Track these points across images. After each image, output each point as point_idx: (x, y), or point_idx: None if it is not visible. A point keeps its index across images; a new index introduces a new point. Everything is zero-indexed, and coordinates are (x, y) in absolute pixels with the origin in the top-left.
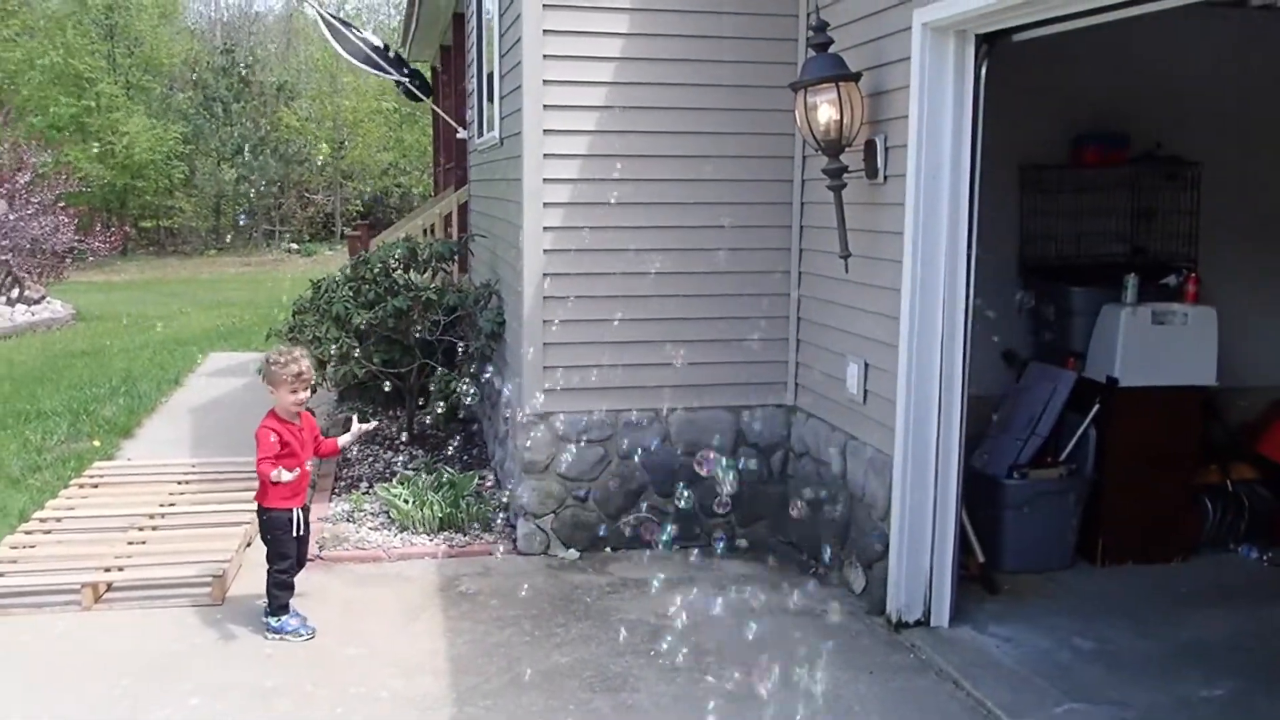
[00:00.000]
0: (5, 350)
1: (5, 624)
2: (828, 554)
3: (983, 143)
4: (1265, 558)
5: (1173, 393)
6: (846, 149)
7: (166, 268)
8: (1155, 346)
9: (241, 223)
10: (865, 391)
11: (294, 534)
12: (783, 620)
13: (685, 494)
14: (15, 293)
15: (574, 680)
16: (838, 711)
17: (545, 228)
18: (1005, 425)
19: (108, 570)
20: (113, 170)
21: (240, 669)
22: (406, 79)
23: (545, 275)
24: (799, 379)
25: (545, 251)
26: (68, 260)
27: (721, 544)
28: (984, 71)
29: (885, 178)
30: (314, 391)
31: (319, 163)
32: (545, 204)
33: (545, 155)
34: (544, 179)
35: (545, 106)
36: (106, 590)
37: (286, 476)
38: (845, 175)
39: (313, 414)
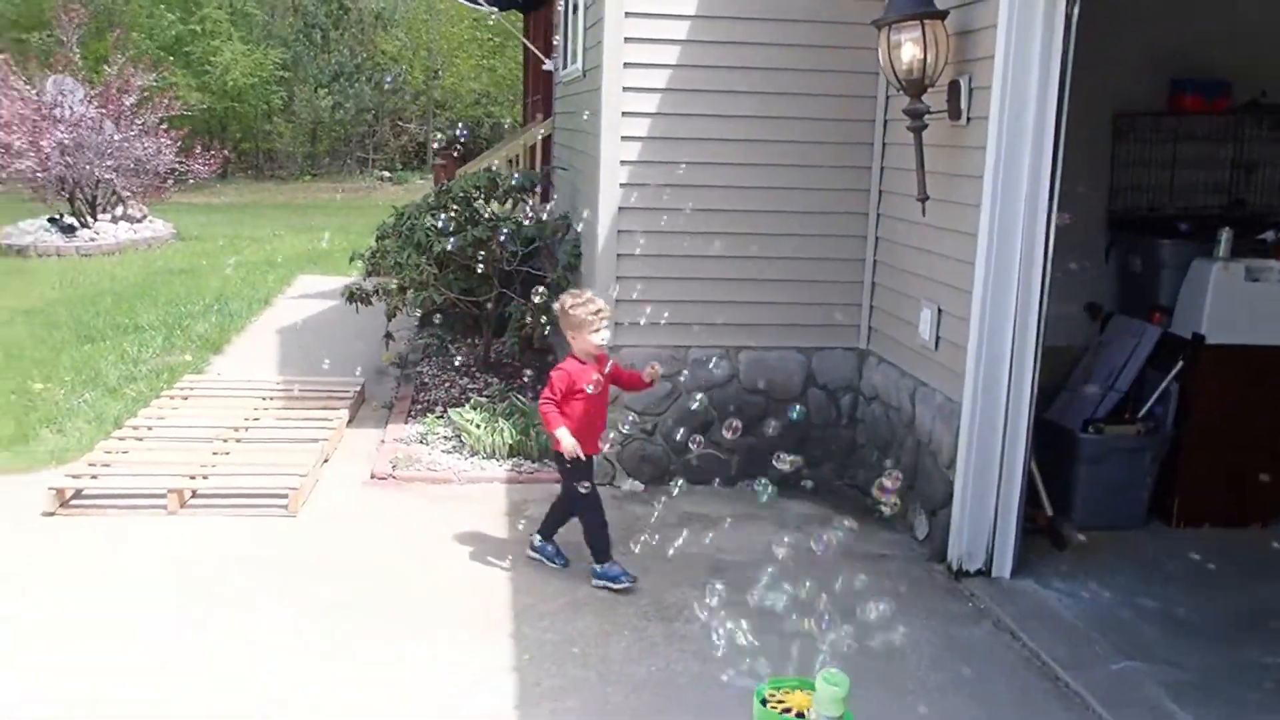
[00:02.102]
0: (109, 266)
1: (97, 523)
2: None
3: (1074, 88)
4: None
5: (1262, 353)
6: (929, 89)
7: (263, 191)
8: (1246, 304)
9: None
10: (937, 338)
11: (594, 483)
12: (842, 562)
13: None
14: (119, 211)
15: (630, 607)
16: (890, 655)
17: (622, 161)
18: (1084, 378)
19: (193, 478)
20: (212, 95)
21: (308, 581)
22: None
23: (620, 209)
24: (872, 322)
25: (621, 185)
26: (169, 181)
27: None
28: (1075, 11)
29: (968, 119)
30: (391, 317)
31: (412, 92)
32: (623, 137)
33: (625, 89)
34: (622, 112)
35: (626, 39)
36: (191, 496)
37: (568, 442)
38: (927, 116)
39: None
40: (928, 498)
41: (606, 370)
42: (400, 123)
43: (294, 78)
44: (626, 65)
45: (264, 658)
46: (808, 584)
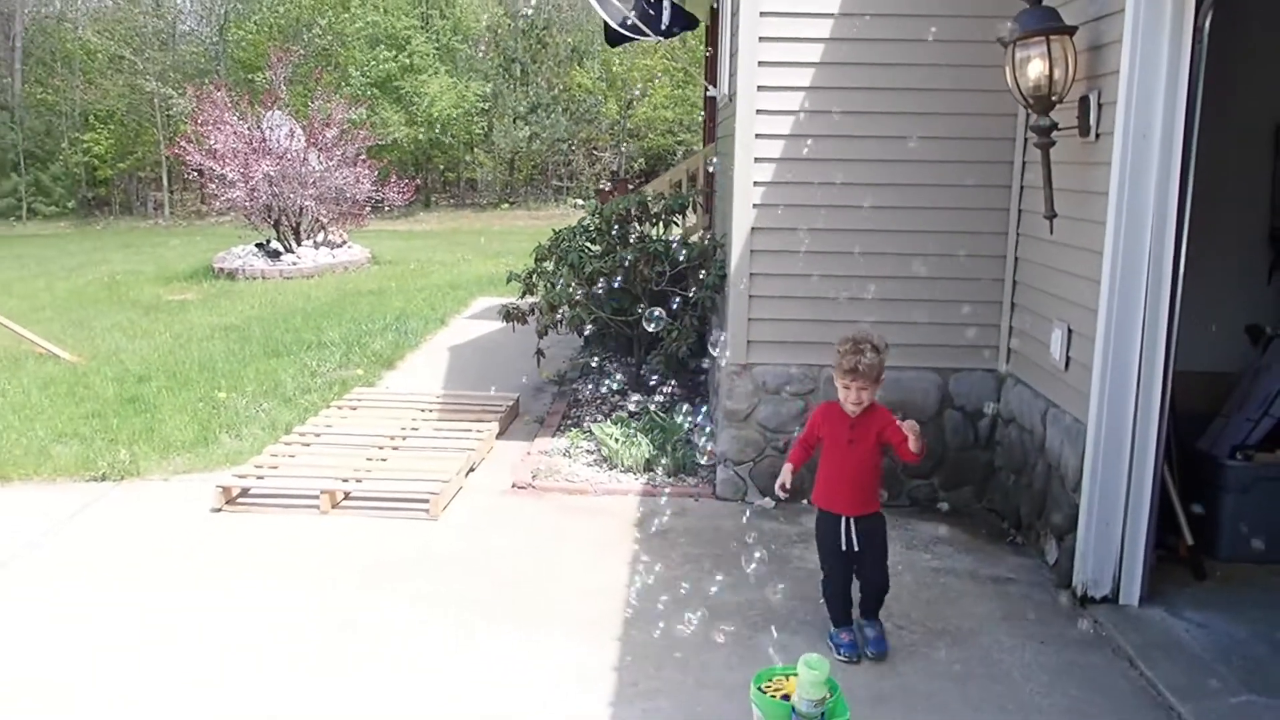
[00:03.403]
0: (305, 287)
1: (259, 519)
2: (1025, 523)
3: (1230, 101)
4: None
5: None
6: (1057, 105)
7: (462, 219)
8: None
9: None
10: (1067, 358)
11: (840, 547)
12: (966, 584)
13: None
14: (320, 236)
15: (738, 616)
16: (994, 676)
17: (755, 182)
18: (1239, 404)
19: (345, 481)
20: (418, 127)
21: (438, 580)
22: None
23: (753, 229)
24: (1011, 344)
25: (754, 205)
26: (367, 209)
27: (920, 506)
28: (1207, 23)
29: (1097, 135)
30: (542, 335)
31: (606, 122)
32: (756, 159)
33: (758, 111)
34: (755, 134)
35: (760, 63)
36: (344, 499)
37: (782, 475)
38: (1056, 133)
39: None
40: (1055, 523)
41: (887, 427)
42: (595, 152)
43: (494, 110)
44: (760, 88)
45: (389, 644)
46: (926, 603)
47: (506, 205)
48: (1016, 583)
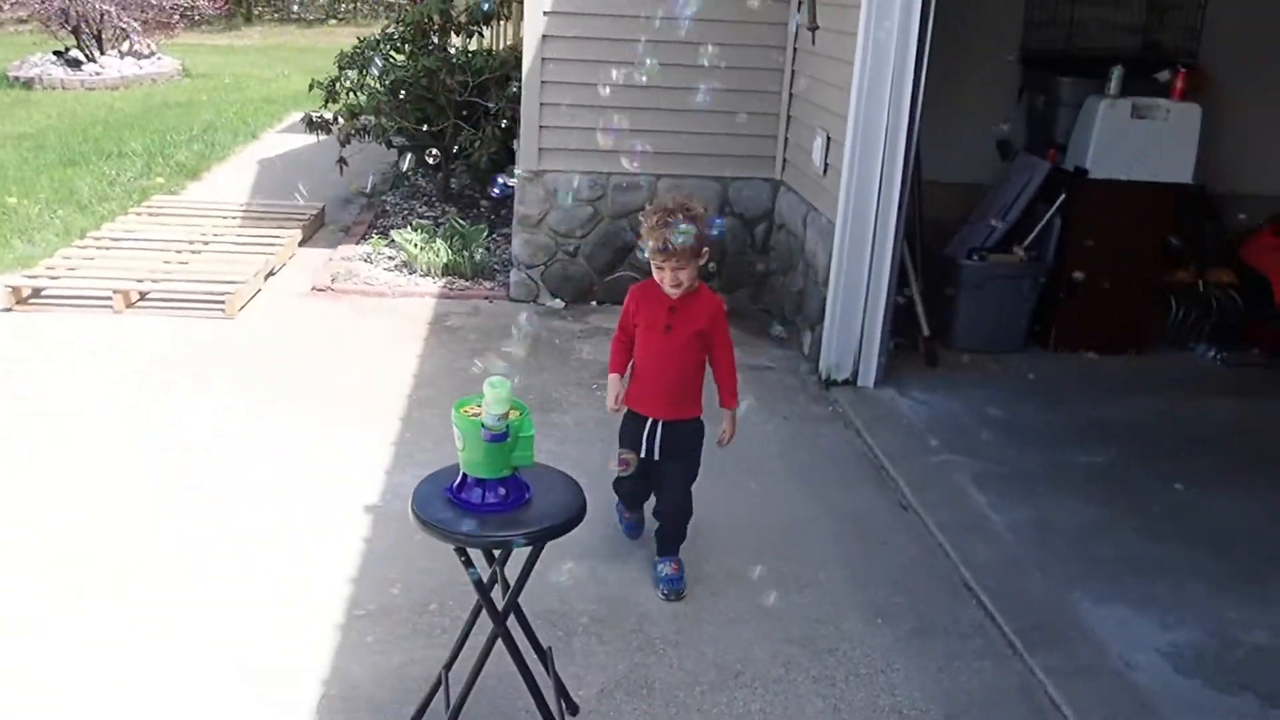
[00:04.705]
0: (109, 99)
1: (46, 318)
2: (788, 319)
3: None
4: (1220, 357)
5: (1143, 189)
6: None
7: (287, 35)
8: (1131, 140)
9: None
10: (825, 164)
11: (637, 451)
12: None
13: None
14: (126, 46)
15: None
16: (738, 444)
17: None
18: (984, 213)
19: (140, 281)
20: None
21: (232, 373)
22: None
23: (544, 37)
24: (787, 154)
25: (545, 13)
26: (177, 18)
27: None
28: None
29: None
30: (344, 143)
31: None
32: None
33: None
34: None
35: None
36: (140, 299)
37: (610, 390)
38: None
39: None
40: (810, 315)
41: (713, 323)
42: None
43: None
44: None
45: (183, 425)
46: None
47: (334, 21)
48: (774, 370)
